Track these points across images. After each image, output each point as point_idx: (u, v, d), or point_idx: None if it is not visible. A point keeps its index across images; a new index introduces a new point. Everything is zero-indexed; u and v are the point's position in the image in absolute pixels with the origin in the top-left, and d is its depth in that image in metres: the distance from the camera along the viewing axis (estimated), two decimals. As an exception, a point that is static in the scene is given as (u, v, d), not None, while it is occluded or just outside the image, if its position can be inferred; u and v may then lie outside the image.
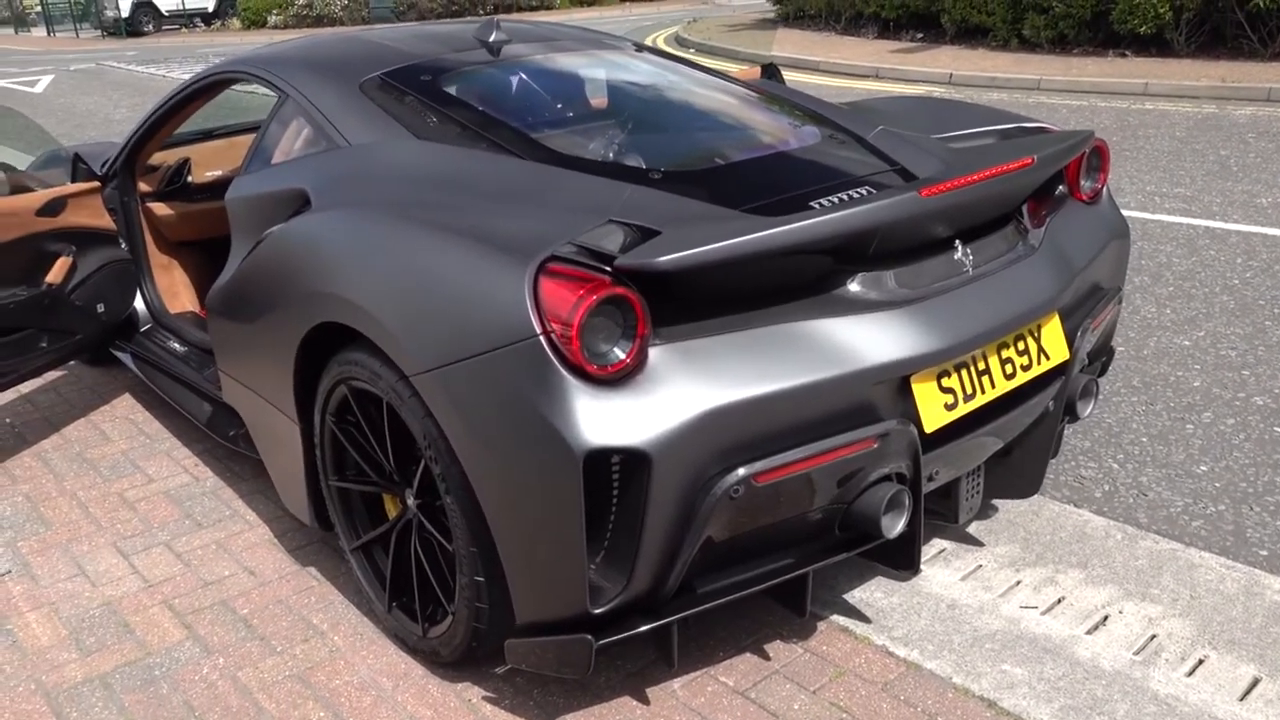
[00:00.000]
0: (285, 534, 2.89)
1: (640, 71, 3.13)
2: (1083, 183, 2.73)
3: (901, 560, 2.18)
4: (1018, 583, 2.53)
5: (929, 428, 2.10)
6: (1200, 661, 2.24)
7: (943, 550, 2.66)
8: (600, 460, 1.82)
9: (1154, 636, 2.32)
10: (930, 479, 2.19)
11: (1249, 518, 2.79)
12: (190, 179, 3.87)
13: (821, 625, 2.38)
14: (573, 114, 2.79)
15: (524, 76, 2.94)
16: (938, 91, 10.57)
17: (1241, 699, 2.13)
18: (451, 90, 2.79)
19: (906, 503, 2.07)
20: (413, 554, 2.29)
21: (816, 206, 2.22)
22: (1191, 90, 9.17)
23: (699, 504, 1.87)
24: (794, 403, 1.93)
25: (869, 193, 2.32)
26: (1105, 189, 2.81)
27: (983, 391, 2.21)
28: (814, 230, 1.90)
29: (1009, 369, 2.27)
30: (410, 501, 2.25)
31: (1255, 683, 2.17)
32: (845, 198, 2.28)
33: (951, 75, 11.02)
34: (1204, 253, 4.94)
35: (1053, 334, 2.38)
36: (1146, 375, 3.67)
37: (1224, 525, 2.76)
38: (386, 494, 2.40)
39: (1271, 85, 8.75)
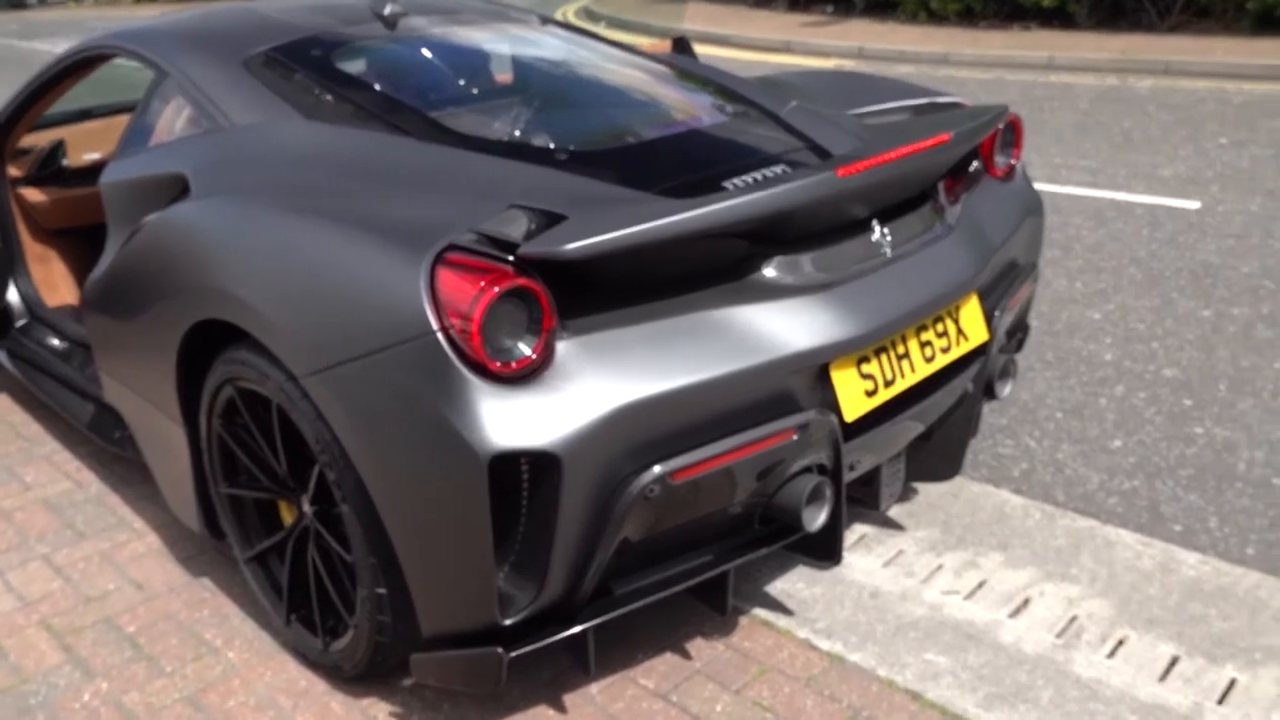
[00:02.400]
0: (176, 542, 2.71)
1: (546, 46, 3.00)
2: (997, 159, 2.69)
3: (823, 551, 2.12)
4: (939, 567, 2.50)
5: (849, 416, 2.04)
6: (1120, 642, 2.22)
7: (864, 536, 2.61)
8: (506, 464, 1.71)
9: (1075, 618, 2.30)
10: (852, 468, 2.13)
11: (1163, 493, 2.80)
12: (66, 162, 3.62)
13: (743, 620, 2.31)
14: (474, 92, 2.65)
15: (422, 52, 2.78)
16: (848, 65, 10.60)
17: (1161, 679, 2.12)
18: (344, 66, 2.62)
19: (828, 494, 2.00)
20: (310, 564, 2.15)
21: (730, 187, 2.13)
22: (1094, 63, 9.33)
23: (613, 505, 1.77)
24: (710, 395, 1.84)
25: (784, 171, 2.23)
26: (1019, 165, 2.77)
27: (903, 376, 2.15)
28: (727, 213, 1.81)
29: (929, 352, 2.21)
30: (306, 509, 2.11)
31: (1174, 661, 2.16)
32: (759, 177, 2.19)
33: (861, 49, 11.05)
34: (1111, 225, 5.00)
35: (971, 315, 2.33)
36: (1060, 349, 3.68)
37: (1139, 501, 2.77)
38: (281, 500, 2.25)
39: (1169, 58, 8.95)
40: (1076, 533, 2.59)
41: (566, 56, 2.93)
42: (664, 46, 4.35)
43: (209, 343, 2.19)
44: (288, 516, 2.26)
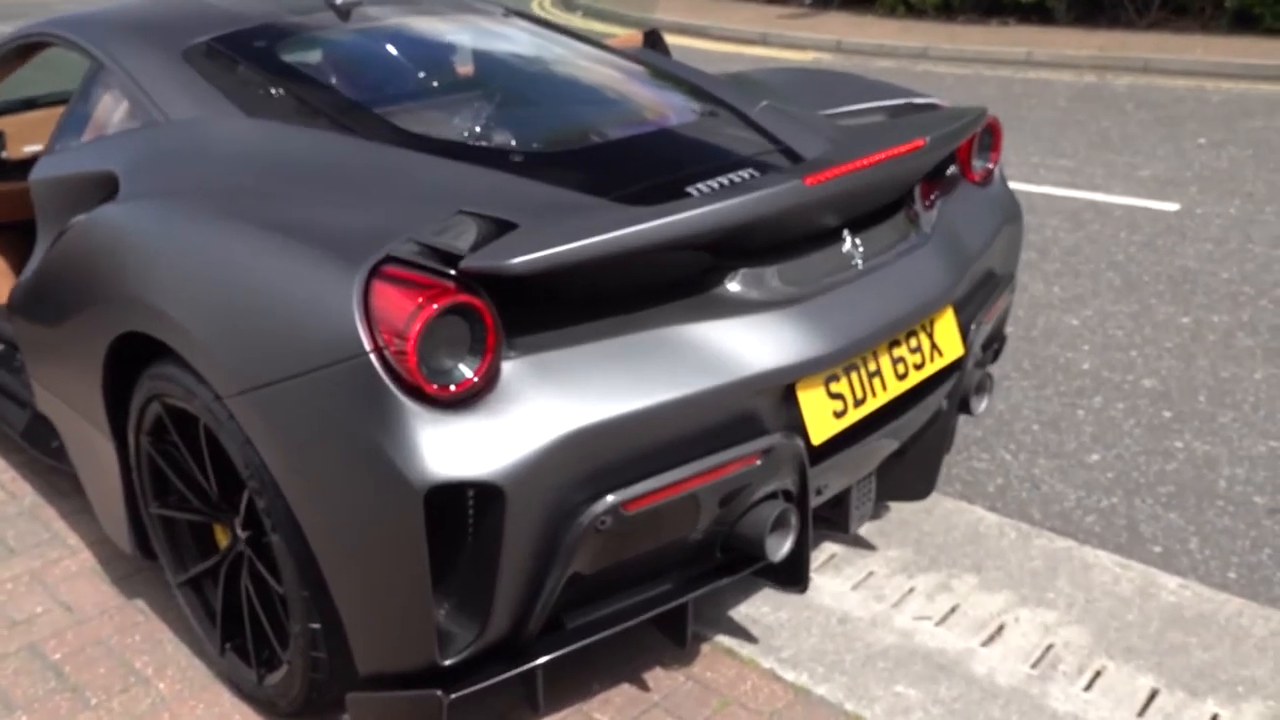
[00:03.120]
0: (111, 561, 2.57)
1: (508, 41, 2.86)
2: (974, 163, 2.58)
3: (789, 578, 2.01)
4: (911, 590, 2.39)
5: (817, 439, 1.92)
6: (1098, 673, 2.13)
7: (833, 556, 2.50)
8: (445, 495, 1.58)
9: (1051, 646, 2.20)
10: (819, 492, 2.01)
11: (1141, 511, 2.71)
12: (5, 154, 3.45)
13: (705, 648, 2.20)
14: (429, 89, 2.51)
15: (376, 44, 2.64)
16: (826, 58, 10.49)
17: (1140, 714, 2.02)
18: (290, 59, 2.47)
19: (793, 522, 1.89)
20: (244, 591, 2.02)
21: (695, 193, 2.01)
22: (1072, 60, 9.26)
23: (562, 537, 1.65)
24: (667, 419, 1.72)
25: (751, 176, 2.11)
26: (998, 169, 2.66)
27: (874, 395, 2.04)
28: (687, 225, 1.68)
29: (901, 369, 2.10)
30: (239, 533, 1.98)
31: (1154, 695, 2.07)
32: (725, 183, 2.07)
33: (839, 42, 10.93)
34: (1089, 227, 4.92)
35: (946, 329, 2.22)
36: (1036, 357, 3.59)
37: (1117, 520, 2.68)
38: (215, 523, 2.11)
39: (1148, 56, 8.89)
40: (1053, 554, 2.50)
41: (528, 51, 2.80)
42: (635, 39, 4.21)
43: (136, 355, 2.05)
44: (222, 539, 2.12)
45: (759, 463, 1.81)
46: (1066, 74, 8.95)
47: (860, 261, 2.03)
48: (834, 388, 1.96)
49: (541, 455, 1.60)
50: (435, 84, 2.54)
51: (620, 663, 2.16)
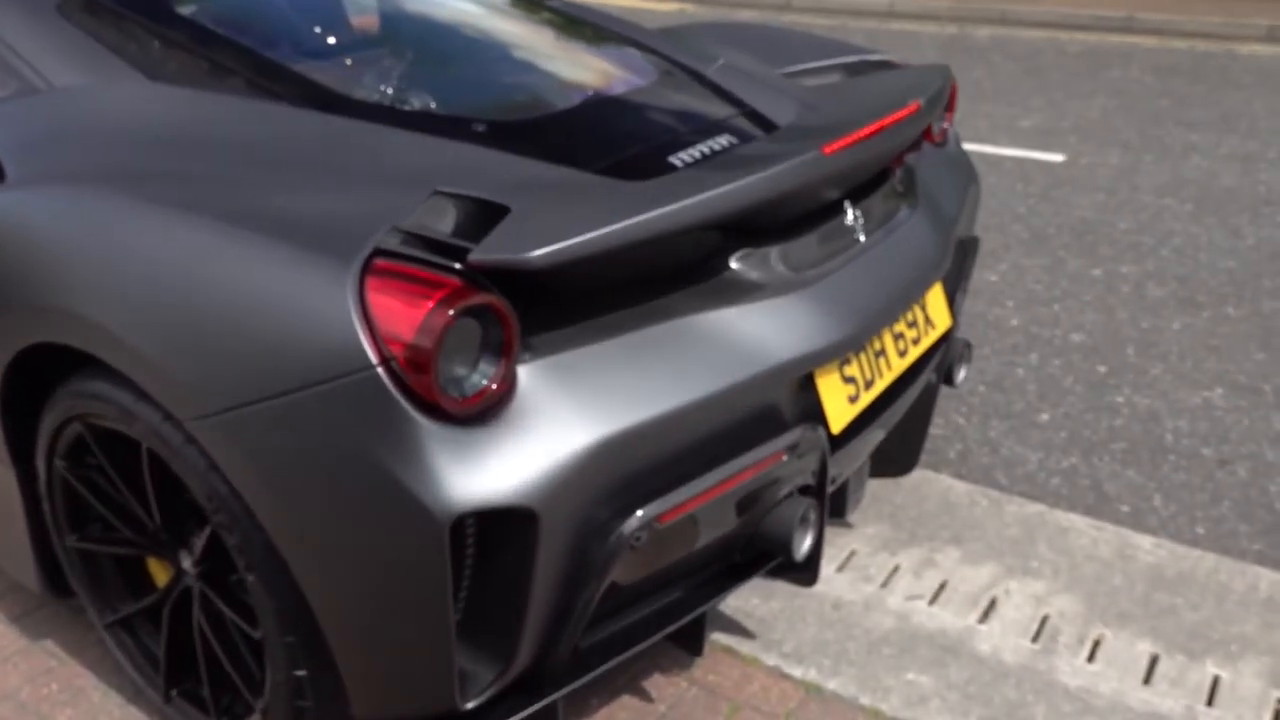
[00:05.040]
0: (8, 593, 2.24)
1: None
2: (933, 124, 2.49)
3: (804, 574, 1.89)
4: (896, 568, 2.32)
5: (836, 427, 1.80)
6: (1098, 643, 2.11)
7: (812, 537, 2.40)
8: (469, 523, 1.38)
9: (1047, 618, 2.17)
10: (833, 481, 1.90)
11: (1102, 470, 2.72)
12: None
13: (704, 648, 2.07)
14: (361, 46, 2.23)
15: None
16: (690, 9, 10.36)
17: (1146, 681, 2.01)
18: (189, 11, 2.15)
19: (813, 517, 1.77)
20: (197, 631, 1.76)
21: (678, 163, 1.84)
22: (933, 11, 9.42)
23: (595, 557, 1.48)
24: (696, 418, 1.56)
25: (731, 143, 1.96)
26: (952, 129, 2.59)
27: (881, 376, 1.93)
28: (714, 204, 1.51)
29: (901, 345, 2.00)
30: (188, 568, 1.72)
31: (1155, 660, 2.06)
32: (706, 151, 1.91)
33: (703, -7, 10.81)
34: (986, 180, 4.97)
35: (936, 300, 2.13)
36: (966, 314, 3.58)
37: (1081, 480, 2.68)
38: (151, 556, 1.84)
39: (1005, 7, 9.12)
40: (1027, 520, 2.47)
41: (461, 6, 2.53)
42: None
43: (43, 367, 1.74)
44: (161, 575, 1.85)
45: (785, 458, 1.67)
46: (929, 25, 9.10)
47: (862, 236, 1.90)
48: (847, 371, 1.84)
49: (573, 469, 1.42)
50: (367, 43, 2.26)
51: (616, 672, 2.01)
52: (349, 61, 2.15)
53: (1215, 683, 2.01)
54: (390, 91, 2.01)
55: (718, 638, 2.10)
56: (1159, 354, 3.28)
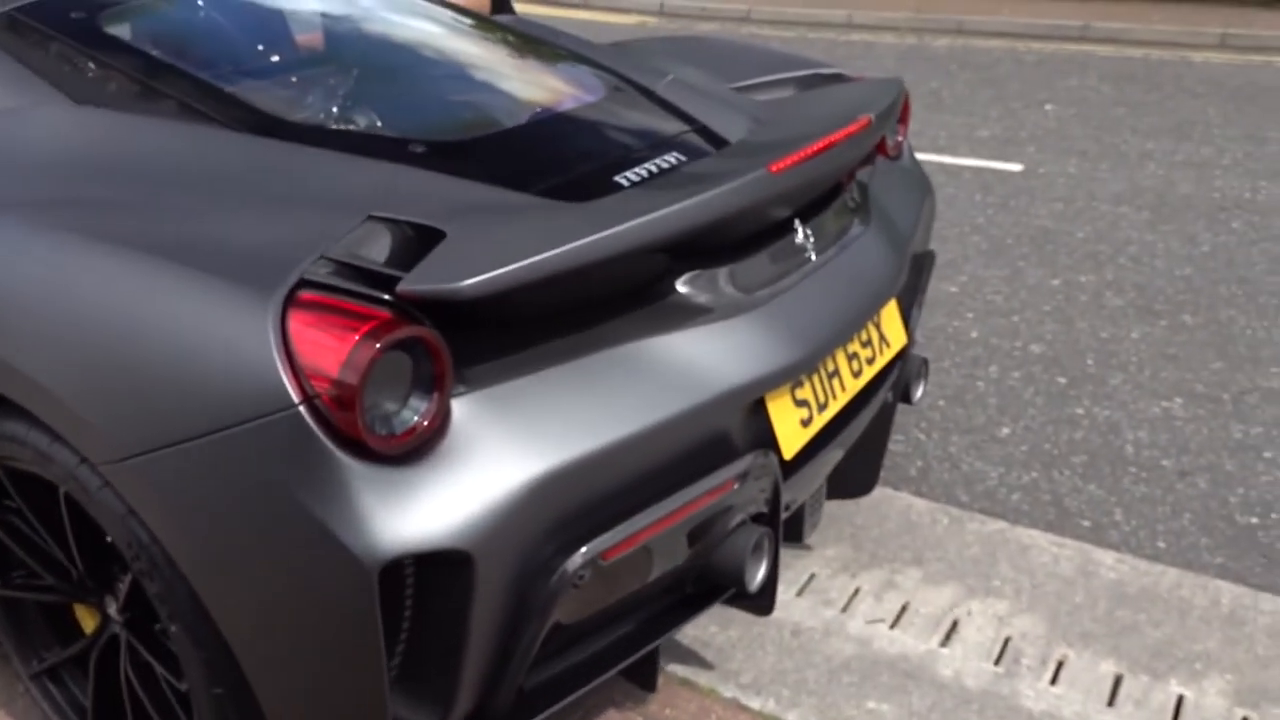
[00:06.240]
0: (-69, 643, 2.13)
1: (369, 8, 2.52)
2: (887, 137, 2.46)
3: (759, 603, 1.83)
4: (857, 591, 2.28)
5: (789, 453, 1.75)
6: (1061, 664, 2.07)
7: (771, 561, 2.35)
8: (400, 568, 1.32)
9: (1009, 640, 2.13)
10: (788, 508, 1.85)
11: (1063, 484, 2.69)
12: None
13: (659, 679, 2.01)
14: (296, 66, 2.16)
15: (224, 12, 2.26)
16: (650, 21, 10.35)
17: (1110, 703, 1.97)
18: (118, 31, 2.07)
19: (767, 546, 1.72)
20: (125, 681, 1.68)
21: (625, 183, 1.79)
22: (891, 22, 9.46)
23: (535, 598, 1.42)
24: (641, 449, 1.50)
25: (678, 161, 1.91)
26: (906, 141, 2.56)
27: (835, 398, 1.88)
28: (657, 227, 1.46)
29: (856, 366, 1.96)
30: (114, 615, 1.64)
31: (1119, 681, 2.03)
32: (653, 170, 1.86)
33: (663, 5, 10.80)
34: (944, 190, 4.96)
35: (891, 318, 2.09)
36: (926, 328, 3.56)
37: (1042, 495, 2.65)
38: (78, 603, 1.75)
39: (961, 17, 9.17)
40: (989, 538, 2.44)
41: (406, 22, 2.47)
42: (482, 2, 3.90)
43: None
44: (88, 621, 1.76)
45: (736, 487, 1.62)
46: (888, 36, 9.14)
47: (813, 254, 1.86)
48: (799, 394, 1.79)
49: (510, 507, 1.35)
50: (302, 62, 2.19)
51: (567, 711, 1.94)
52: (287, 82, 2.08)
53: (1180, 702, 1.98)
54: (329, 112, 1.94)
55: (674, 669, 2.04)
56: (1118, 364, 3.27)
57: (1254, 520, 2.54)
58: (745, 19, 10.25)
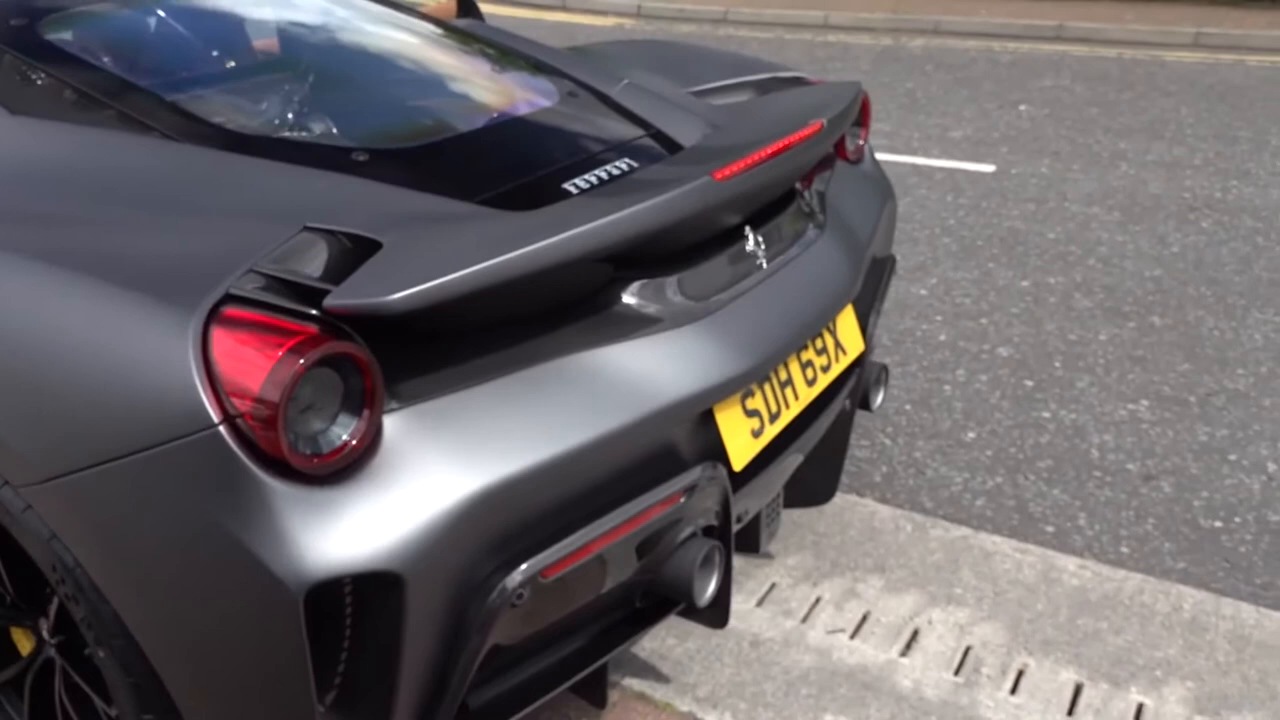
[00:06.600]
0: None
1: (326, 13, 2.48)
2: (847, 140, 2.44)
3: (712, 617, 1.80)
4: (818, 600, 2.25)
5: (738, 464, 1.72)
6: (1021, 673, 2.05)
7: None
8: (328, 591, 1.28)
9: (969, 649, 2.11)
10: (739, 519, 1.82)
11: (1027, 489, 2.68)
12: None
13: (614, 694, 1.98)
14: (238, 74, 2.12)
15: (165, 21, 2.22)
16: (627, 24, 10.32)
17: (1070, 712, 1.95)
18: (59, 41, 2.03)
19: (718, 559, 1.69)
20: (59, 703, 1.64)
21: (573, 190, 1.76)
22: (868, 23, 9.45)
23: (472, 619, 1.38)
24: (581, 465, 1.47)
25: (629, 167, 1.88)
26: (867, 145, 2.54)
27: (787, 407, 1.86)
28: (597, 237, 1.43)
29: (810, 374, 1.93)
30: (48, 638, 1.60)
31: (1079, 690, 2.01)
32: (604, 176, 1.83)
33: (640, 6, 10.76)
34: (915, 192, 4.95)
35: (847, 325, 2.07)
36: (893, 332, 3.54)
37: (1006, 501, 2.63)
38: (13, 625, 1.71)
39: (938, 17, 9.17)
40: (951, 544, 2.41)
41: (343, 24, 2.43)
42: (449, 8, 3.86)
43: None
44: (25, 644, 1.72)
45: (682, 500, 1.59)
46: (864, 37, 9.13)
47: (764, 261, 1.83)
48: (750, 404, 1.76)
49: (443, 526, 1.32)
50: (246, 69, 2.16)
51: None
52: (230, 90, 2.04)
53: (1140, 711, 1.96)
54: (272, 121, 1.91)
55: (630, 682, 2.01)
56: (1086, 366, 3.26)
57: (1217, 524, 2.53)
58: (723, 20, 10.22)
